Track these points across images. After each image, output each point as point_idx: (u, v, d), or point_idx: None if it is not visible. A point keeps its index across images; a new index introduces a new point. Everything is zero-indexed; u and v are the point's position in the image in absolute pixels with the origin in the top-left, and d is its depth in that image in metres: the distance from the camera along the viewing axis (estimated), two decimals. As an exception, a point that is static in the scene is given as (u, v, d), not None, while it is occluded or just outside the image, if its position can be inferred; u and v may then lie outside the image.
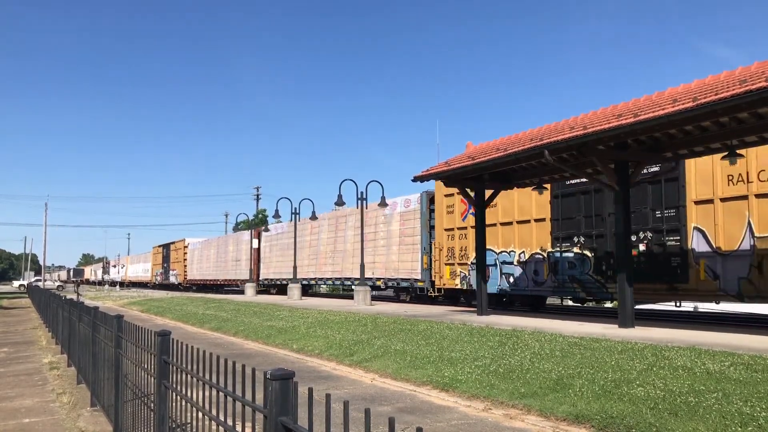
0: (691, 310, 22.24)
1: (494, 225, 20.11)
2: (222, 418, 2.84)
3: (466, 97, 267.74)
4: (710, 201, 14.40)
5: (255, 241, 42.31)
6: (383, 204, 24.87)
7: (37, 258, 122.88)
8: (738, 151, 12.33)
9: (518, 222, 19.62)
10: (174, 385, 3.77)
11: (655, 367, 7.67)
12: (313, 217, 29.66)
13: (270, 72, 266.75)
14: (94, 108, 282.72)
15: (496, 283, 20.11)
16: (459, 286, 22.20)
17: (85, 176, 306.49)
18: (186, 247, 57.07)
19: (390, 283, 26.90)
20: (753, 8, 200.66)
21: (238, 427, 2.66)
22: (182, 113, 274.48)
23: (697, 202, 14.69)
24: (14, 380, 9.87)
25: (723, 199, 14.15)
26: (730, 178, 14.01)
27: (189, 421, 3.43)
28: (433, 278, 23.71)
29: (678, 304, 17.29)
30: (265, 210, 75.74)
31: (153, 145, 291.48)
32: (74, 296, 19.93)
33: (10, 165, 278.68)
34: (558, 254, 18.23)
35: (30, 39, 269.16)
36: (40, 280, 69.37)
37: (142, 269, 75.30)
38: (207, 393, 3.12)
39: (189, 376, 3.40)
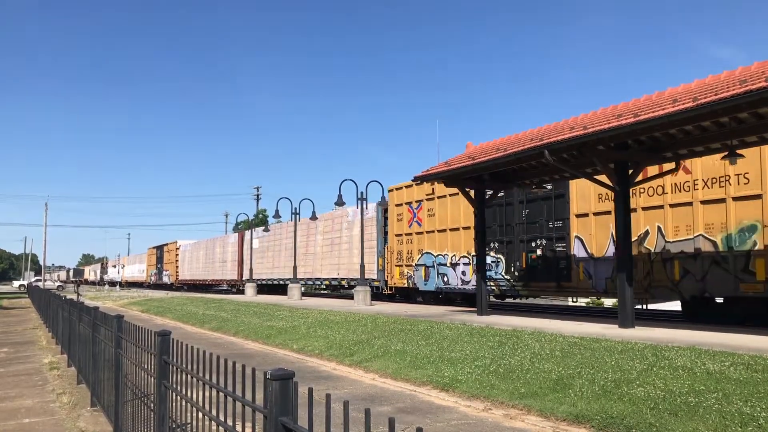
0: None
1: (432, 232, 22.97)
2: (222, 418, 2.84)
3: (466, 97, 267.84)
4: (587, 215, 17.00)
5: (243, 243, 42.96)
6: (383, 204, 25.02)
7: (37, 258, 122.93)
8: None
9: (450, 229, 22.16)
10: (174, 385, 3.77)
11: (656, 367, 7.66)
12: (314, 218, 29.71)
13: (270, 72, 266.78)
14: (94, 108, 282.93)
15: (434, 282, 22.68)
16: (406, 285, 24.74)
17: (85, 176, 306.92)
18: (178, 248, 58.16)
19: (352, 283, 28.56)
20: (753, 8, 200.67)
21: (238, 427, 2.66)
22: (182, 113, 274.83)
23: (577, 215, 17.30)
24: (14, 380, 9.87)
25: (595, 214, 16.72)
26: (600, 196, 16.41)
27: (189, 421, 3.43)
28: (386, 278, 26.25)
29: (575, 300, 20.31)
30: (265, 210, 75.62)
31: (153, 144, 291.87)
32: (74, 296, 19.93)
33: (10, 165, 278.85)
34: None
35: (30, 38, 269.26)
36: (40, 280, 69.26)
37: (138, 270, 75.52)
38: (207, 393, 3.11)
39: (189, 376, 3.40)
